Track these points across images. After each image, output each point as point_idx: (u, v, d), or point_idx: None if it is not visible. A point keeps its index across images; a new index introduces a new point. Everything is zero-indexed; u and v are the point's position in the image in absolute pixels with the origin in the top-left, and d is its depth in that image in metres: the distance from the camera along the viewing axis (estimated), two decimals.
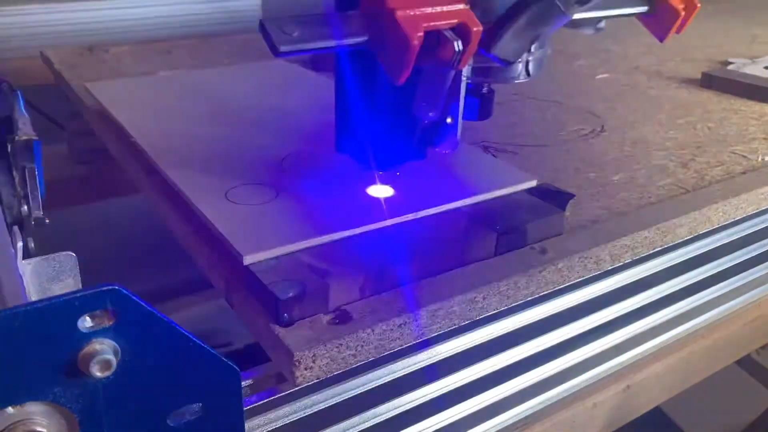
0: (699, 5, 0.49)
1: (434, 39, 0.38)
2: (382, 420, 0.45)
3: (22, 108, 0.43)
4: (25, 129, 0.41)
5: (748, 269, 0.67)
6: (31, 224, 0.40)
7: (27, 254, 0.38)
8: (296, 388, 0.39)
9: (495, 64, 0.45)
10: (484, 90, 0.50)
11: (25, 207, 0.40)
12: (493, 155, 0.62)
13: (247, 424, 0.38)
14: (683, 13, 0.49)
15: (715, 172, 0.61)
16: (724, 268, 0.64)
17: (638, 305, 0.58)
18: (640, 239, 0.50)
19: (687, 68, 0.94)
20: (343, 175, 0.51)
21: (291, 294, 0.38)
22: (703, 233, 0.57)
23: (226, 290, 0.44)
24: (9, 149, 0.40)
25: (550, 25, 0.42)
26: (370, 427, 0.44)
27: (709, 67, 0.92)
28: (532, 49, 0.47)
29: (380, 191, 0.49)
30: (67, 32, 1.08)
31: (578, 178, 0.59)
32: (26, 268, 0.36)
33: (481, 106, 0.50)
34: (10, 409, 0.27)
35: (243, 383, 0.38)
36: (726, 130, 0.71)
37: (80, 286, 0.38)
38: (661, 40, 0.50)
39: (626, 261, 0.51)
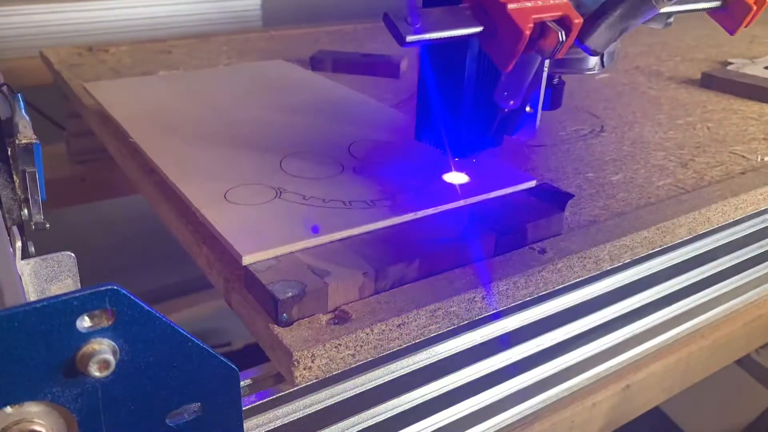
0: None
1: (538, 30, 0.40)
2: (381, 420, 0.45)
3: (23, 111, 0.42)
4: (25, 132, 0.40)
5: (748, 269, 0.67)
6: (32, 228, 0.40)
7: (27, 257, 0.37)
8: (295, 388, 0.39)
9: (574, 56, 0.49)
10: (555, 81, 0.52)
11: (26, 211, 0.40)
12: (493, 155, 0.62)
13: (246, 424, 0.38)
14: (755, 8, 0.50)
15: (714, 172, 0.61)
16: (723, 268, 0.64)
17: (638, 305, 0.58)
18: (640, 239, 0.50)
19: (687, 68, 0.94)
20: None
21: (290, 294, 0.38)
22: (703, 233, 0.57)
23: (225, 290, 0.44)
24: (9, 153, 0.40)
25: (640, 18, 0.44)
26: (369, 426, 0.44)
27: (708, 67, 0.92)
28: None
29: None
30: (67, 32, 1.08)
31: (577, 178, 0.59)
32: (25, 268, 0.36)
33: (552, 96, 0.52)
34: (8, 409, 0.27)
35: (242, 383, 0.38)
36: (725, 130, 0.71)
37: (79, 286, 0.38)
38: (732, 33, 0.52)
39: (625, 261, 0.51)
